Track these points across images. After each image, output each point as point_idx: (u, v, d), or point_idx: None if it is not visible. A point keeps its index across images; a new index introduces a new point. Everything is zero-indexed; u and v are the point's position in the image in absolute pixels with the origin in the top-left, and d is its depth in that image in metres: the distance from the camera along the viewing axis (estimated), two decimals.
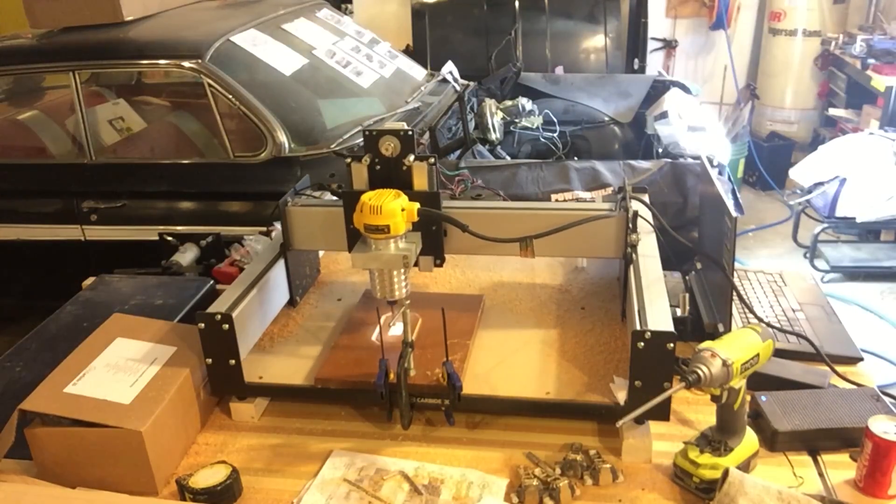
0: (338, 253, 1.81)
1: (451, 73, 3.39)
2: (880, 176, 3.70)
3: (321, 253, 1.81)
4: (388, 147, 1.31)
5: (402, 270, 1.27)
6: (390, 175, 1.33)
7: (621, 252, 1.41)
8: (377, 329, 1.48)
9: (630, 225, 1.38)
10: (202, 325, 1.31)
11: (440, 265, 1.44)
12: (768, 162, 4.97)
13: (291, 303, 1.62)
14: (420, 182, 1.34)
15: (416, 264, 1.40)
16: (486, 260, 1.79)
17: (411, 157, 1.32)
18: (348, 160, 1.36)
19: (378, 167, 1.34)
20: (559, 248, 1.43)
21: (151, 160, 3.05)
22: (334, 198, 1.53)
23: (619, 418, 1.09)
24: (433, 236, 1.38)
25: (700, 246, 1.75)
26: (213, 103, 2.70)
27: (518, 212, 1.45)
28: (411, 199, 1.28)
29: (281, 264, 1.55)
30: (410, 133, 1.31)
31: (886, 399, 1.29)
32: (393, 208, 1.23)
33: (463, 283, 1.72)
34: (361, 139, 1.38)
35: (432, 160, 1.33)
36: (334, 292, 1.71)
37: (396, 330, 1.45)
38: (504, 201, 1.85)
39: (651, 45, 5.11)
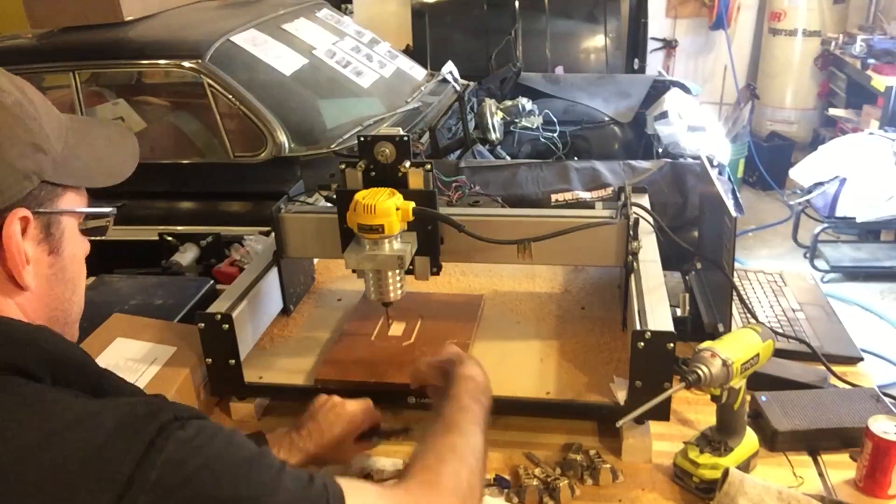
0: (332, 260, 1.78)
1: (451, 73, 3.39)
2: (880, 176, 3.70)
3: (315, 259, 1.78)
4: (384, 153, 1.28)
5: (398, 271, 1.26)
6: (386, 181, 1.30)
7: (622, 260, 1.39)
8: (377, 329, 1.48)
9: (631, 233, 1.35)
10: (202, 325, 1.31)
11: (437, 273, 1.40)
12: (768, 162, 4.97)
13: (285, 311, 1.58)
14: (416, 184, 1.31)
15: (411, 272, 1.39)
16: (485, 264, 1.77)
17: (407, 164, 1.29)
18: (342, 166, 1.33)
19: (373, 173, 1.31)
20: (558, 256, 1.41)
21: (151, 160, 3.04)
22: (328, 204, 1.49)
23: (619, 418, 1.09)
24: (429, 236, 1.35)
25: (700, 246, 1.75)
26: (213, 103, 2.70)
27: (517, 218, 1.43)
28: (406, 198, 1.26)
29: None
30: (406, 139, 1.28)
31: (886, 399, 1.29)
32: (387, 207, 1.20)
33: (462, 287, 1.70)
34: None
35: (428, 166, 1.30)
36: (333, 294, 1.70)
37: (397, 330, 1.45)
38: (502, 208, 1.83)
39: (651, 45, 5.11)
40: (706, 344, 1.11)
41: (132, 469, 0.66)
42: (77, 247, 0.84)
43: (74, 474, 0.65)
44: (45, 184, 0.78)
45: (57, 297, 0.83)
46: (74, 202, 0.83)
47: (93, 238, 0.88)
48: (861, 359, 1.47)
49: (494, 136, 2.92)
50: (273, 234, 1.48)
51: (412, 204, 1.26)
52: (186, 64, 2.72)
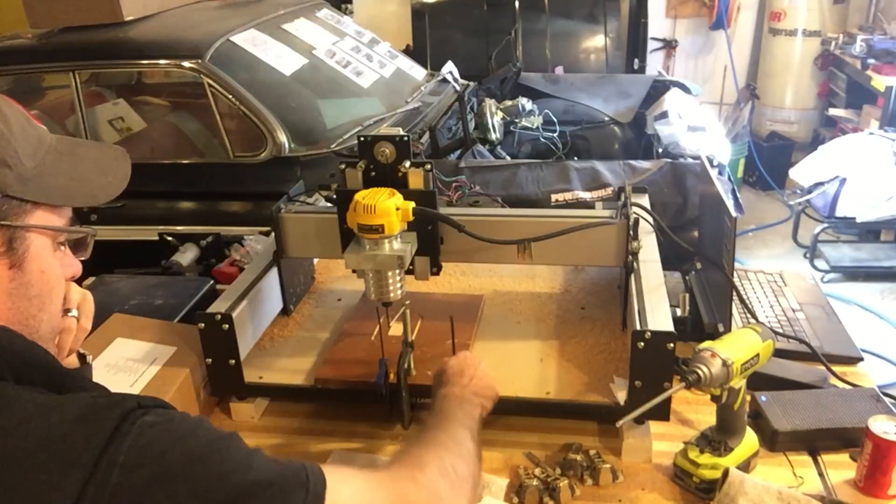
0: (332, 260, 1.78)
1: (451, 73, 3.39)
2: (880, 176, 3.70)
3: (315, 259, 1.78)
4: (384, 153, 1.28)
5: (397, 271, 1.26)
6: (386, 181, 1.30)
7: (622, 260, 1.39)
8: (377, 328, 1.48)
9: (631, 233, 1.35)
10: (202, 325, 1.31)
11: (437, 273, 1.41)
12: (768, 162, 4.97)
13: (285, 311, 1.58)
14: (416, 184, 1.31)
15: (411, 272, 1.39)
16: (485, 264, 1.77)
17: (407, 164, 1.29)
18: (342, 166, 1.33)
19: (373, 173, 1.31)
20: (558, 256, 1.41)
21: (151, 160, 3.04)
22: (328, 204, 1.49)
23: (619, 418, 1.09)
24: (429, 236, 1.35)
25: (700, 246, 1.75)
26: (213, 103, 2.70)
27: (517, 218, 1.43)
28: (406, 198, 1.26)
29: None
30: (406, 139, 1.28)
31: (886, 399, 1.29)
32: (387, 207, 1.20)
33: (462, 287, 1.70)
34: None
35: (428, 167, 1.30)
36: (333, 294, 1.70)
37: (397, 330, 1.45)
38: (502, 208, 1.83)
39: (651, 45, 5.11)
40: (706, 344, 1.11)
41: (97, 454, 0.67)
42: (47, 264, 0.83)
43: (37, 461, 0.66)
44: (8, 198, 0.77)
45: (21, 311, 0.80)
46: (47, 220, 0.82)
47: (81, 258, 0.89)
48: (861, 359, 1.47)
49: (494, 136, 2.92)
50: (273, 234, 1.48)
51: (412, 204, 1.26)
52: (186, 64, 2.72)
